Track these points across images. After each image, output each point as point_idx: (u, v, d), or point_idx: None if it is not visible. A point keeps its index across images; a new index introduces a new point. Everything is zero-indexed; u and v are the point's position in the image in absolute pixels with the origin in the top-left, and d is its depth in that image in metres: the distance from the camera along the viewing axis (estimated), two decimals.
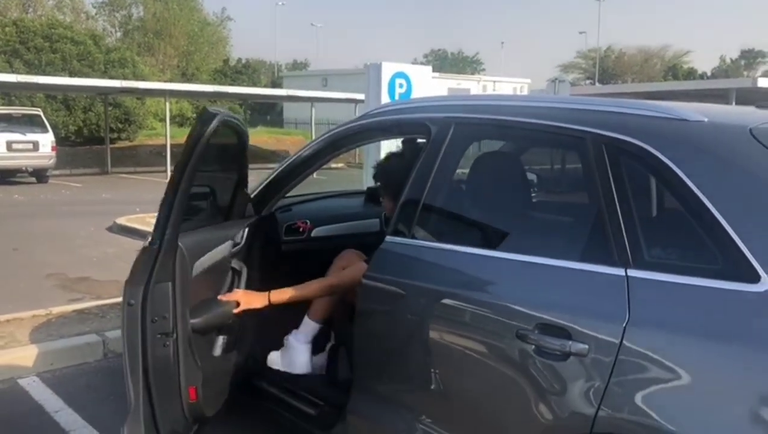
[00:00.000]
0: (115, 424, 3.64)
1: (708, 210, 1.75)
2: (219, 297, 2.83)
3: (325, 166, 3.53)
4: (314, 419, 2.89)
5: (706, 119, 1.97)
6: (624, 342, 1.75)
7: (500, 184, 2.58)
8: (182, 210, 2.43)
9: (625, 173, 1.96)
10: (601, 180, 1.98)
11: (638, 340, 1.74)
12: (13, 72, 22.93)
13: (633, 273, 1.83)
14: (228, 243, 2.93)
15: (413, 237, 2.46)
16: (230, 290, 2.99)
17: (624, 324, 1.76)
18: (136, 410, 2.44)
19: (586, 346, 1.82)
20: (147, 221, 10.52)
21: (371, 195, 4.06)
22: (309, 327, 3.15)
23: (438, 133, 2.51)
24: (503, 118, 2.40)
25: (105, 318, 5.35)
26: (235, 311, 2.81)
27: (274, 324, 3.14)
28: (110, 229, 10.67)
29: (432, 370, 2.29)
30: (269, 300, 2.86)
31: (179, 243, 2.47)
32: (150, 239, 2.43)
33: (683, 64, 64.06)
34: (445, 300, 2.25)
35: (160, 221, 2.41)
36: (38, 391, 4.19)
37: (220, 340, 2.95)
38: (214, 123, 2.47)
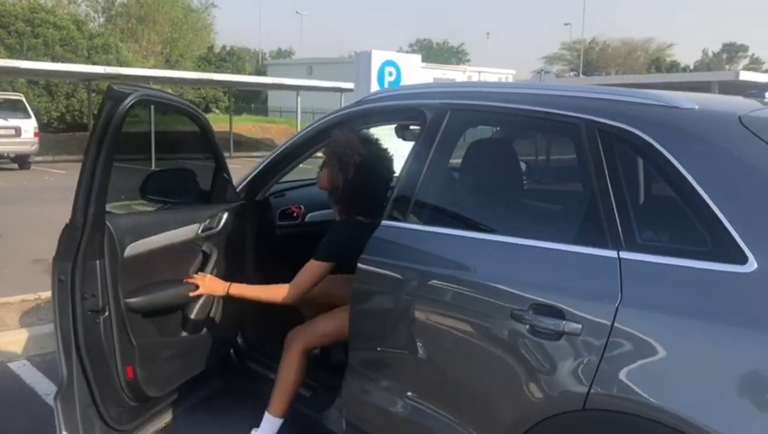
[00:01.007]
0: None
1: (698, 194, 1.81)
2: (186, 279, 2.87)
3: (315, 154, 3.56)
4: (309, 401, 2.94)
5: (696, 107, 2.03)
6: (616, 321, 1.81)
7: (495, 169, 2.63)
8: (103, 191, 2.46)
9: (618, 158, 2.02)
10: (595, 165, 2.04)
11: (630, 320, 1.80)
12: None
13: (625, 255, 1.89)
14: (193, 226, 2.96)
15: (409, 221, 2.51)
16: (198, 270, 3.03)
17: (616, 305, 1.82)
18: (69, 386, 2.48)
19: (579, 326, 1.88)
20: (133, 209, 10.47)
21: None
22: (269, 423, 2.89)
23: (434, 119, 2.55)
24: (499, 104, 2.45)
25: None
26: (192, 294, 2.85)
27: (270, 309, 3.18)
28: None
29: (427, 351, 2.34)
30: (228, 292, 2.87)
31: (107, 223, 2.51)
32: (70, 217, 2.46)
33: (666, 57, 64.62)
34: (441, 283, 2.30)
35: (78, 201, 2.43)
36: (29, 374, 4.20)
37: (180, 321, 3.00)
38: (129, 100, 2.50)
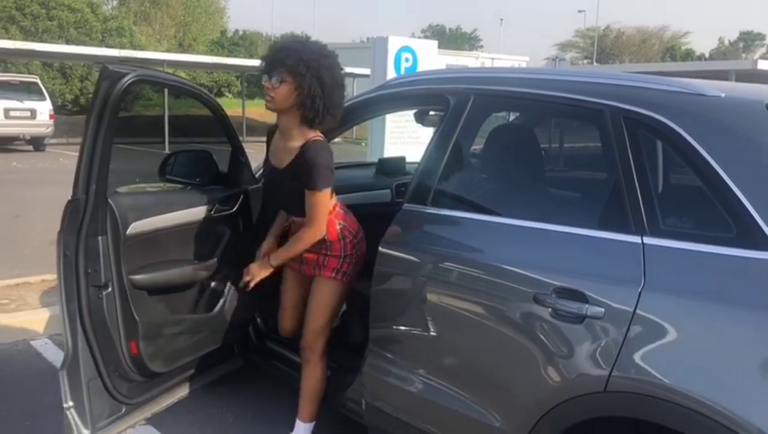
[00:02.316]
0: None
1: (723, 181, 1.83)
2: (246, 277, 2.90)
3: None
4: (329, 380, 2.98)
5: (723, 94, 2.04)
6: (639, 305, 1.84)
7: (518, 154, 2.65)
8: (104, 169, 2.53)
9: (642, 145, 2.03)
10: (620, 151, 2.06)
11: (653, 304, 1.83)
12: (9, 39, 22.75)
13: (649, 240, 1.91)
14: (204, 207, 3.01)
15: (431, 205, 2.53)
16: (212, 251, 3.08)
17: (639, 289, 1.85)
18: (74, 358, 2.54)
19: (602, 310, 1.90)
20: (148, 191, 10.56)
21: (383, 167, 4.13)
22: (302, 430, 2.95)
23: (457, 104, 2.57)
24: (523, 90, 2.47)
25: None
26: (250, 283, 2.88)
27: None
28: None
29: (449, 333, 2.38)
30: (272, 265, 2.88)
31: (110, 201, 2.58)
32: (72, 194, 2.52)
33: (681, 45, 63.93)
34: (463, 267, 2.33)
35: (79, 179, 2.50)
36: (51, 352, 4.28)
37: (189, 299, 3.05)
38: (126, 79, 2.55)
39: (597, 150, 2.23)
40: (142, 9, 41.41)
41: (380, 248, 2.60)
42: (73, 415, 2.55)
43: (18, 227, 8.26)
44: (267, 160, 2.86)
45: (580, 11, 68.06)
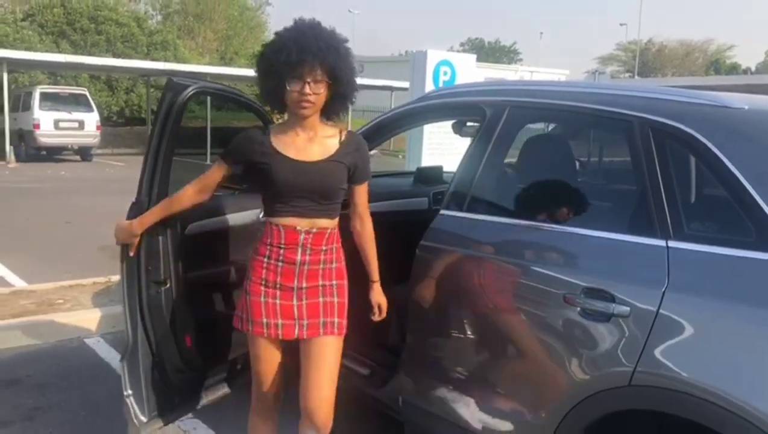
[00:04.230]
0: None
1: (744, 188, 1.93)
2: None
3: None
4: (366, 378, 3.12)
5: (746, 106, 2.14)
6: (662, 305, 1.95)
7: (551, 163, 2.77)
8: (166, 174, 2.70)
9: (669, 154, 2.14)
10: (647, 160, 2.17)
11: (675, 304, 1.93)
12: (59, 52, 23.56)
13: (673, 244, 2.02)
14: (254, 211, 3.16)
15: (467, 211, 2.66)
16: None
17: (663, 289, 1.96)
18: (134, 350, 2.71)
19: (628, 309, 2.01)
20: None
21: (420, 175, 4.28)
22: None
23: (493, 115, 2.71)
24: (556, 102, 2.59)
25: None
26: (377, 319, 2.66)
27: None
28: None
29: (483, 332, 2.50)
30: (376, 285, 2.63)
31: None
32: (136, 195, 2.70)
33: (726, 58, 62.91)
34: (497, 269, 2.46)
35: (143, 182, 2.68)
36: (104, 350, 4.52)
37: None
38: (188, 91, 2.73)
39: (626, 159, 2.34)
40: (185, 23, 42.32)
41: (418, 252, 2.73)
42: (132, 403, 2.73)
43: (69, 233, 8.61)
44: (273, 156, 2.34)
45: (621, 24, 67.66)
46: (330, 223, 2.39)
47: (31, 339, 4.54)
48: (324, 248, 2.39)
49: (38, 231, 8.55)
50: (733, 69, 58.86)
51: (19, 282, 5.92)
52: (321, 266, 2.39)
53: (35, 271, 6.21)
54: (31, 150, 19.04)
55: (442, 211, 2.75)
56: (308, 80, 2.23)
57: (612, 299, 2.06)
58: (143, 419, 2.73)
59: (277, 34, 2.30)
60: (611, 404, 2.06)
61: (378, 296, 2.60)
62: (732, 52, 64.34)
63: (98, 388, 3.89)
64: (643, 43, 61.48)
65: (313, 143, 2.37)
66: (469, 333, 2.55)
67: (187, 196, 2.55)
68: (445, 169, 4.34)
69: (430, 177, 4.23)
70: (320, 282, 2.39)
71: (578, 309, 2.14)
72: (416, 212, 3.85)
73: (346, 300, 2.46)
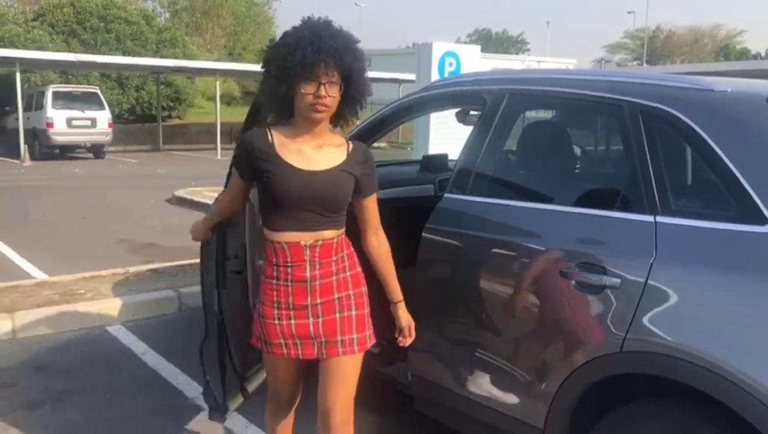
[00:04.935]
0: (194, 364, 4.12)
1: (726, 165, 2.07)
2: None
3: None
4: (377, 356, 3.27)
5: (729, 90, 2.27)
6: (650, 276, 2.09)
7: (547, 147, 2.92)
8: None
9: (656, 135, 2.28)
10: (636, 141, 2.31)
11: (662, 275, 2.08)
12: (70, 51, 23.81)
13: (660, 219, 2.16)
14: None
15: (470, 194, 2.81)
16: None
17: (651, 261, 2.10)
18: (211, 338, 2.86)
19: (619, 280, 2.16)
20: (204, 194, 11.08)
21: (426, 163, 4.43)
22: None
23: (493, 102, 2.85)
24: (553, 89, 2.74)
25: (177, 277, 5.85)
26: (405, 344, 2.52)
27: None
28: (169, 201, 11.27)
29: (486, 307, 2.65)
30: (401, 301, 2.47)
31: (249, 197, 2.83)
32: (223, 189, 2.83)
33: (736, 44, 62.47)
34: (498, 247, 2.62)
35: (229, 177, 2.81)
36: (125, 337, 4.70)
37: None
38: None
39: (617, 141, 2.48)
40: (193, 20, 42.53)
41: (424, 234, 2.88)
42: (211, 388, 2.91)
43: (86, 228, 8.82)
44: (277, 164, 2.18)
45: (629, 12, 67.27)
46: (336, 233, 2.26)
47: (55, 327, 4.73)
48: (334, 258, 2.26)
49: (56, 227, 8.77)
50: (743, 54, 58.47)
51: (40, 275, 6.13)
52: (334, 278, 2.26)
53: (55, 264, 6.41)
54: (44, 148, 19.34)
55: (447, 195, 2.90)
56: (323, 82, 2.10)
57: (604, 271, 2.20)
58: (221, 402, 2.91)
59: (286, 33, 2.16)
60: (605, 370, 2.21)
61: (404, 318, 2.41)
62: (742, 37, 63.91)
63: (121, 372, 4.07)
64: (651, 31, 61.19)
65: (320, 151, 2.22)
66: (472, 308, 2.70)
67: (224, 206, 2.58)
68: (451, 157, 4.48)
69: (435, 164, 4.37)
70: (335, 295, 2.26)
71: (573, 282, 2.29)
72: (422, 198, 3.99)
73: (366, 310, 2.34)
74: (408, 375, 3.04)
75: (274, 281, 2.26)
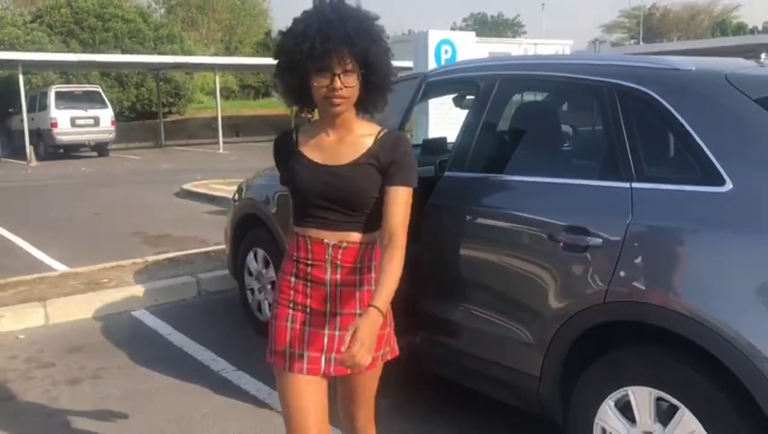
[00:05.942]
0: (217, 342, 4.45)
1: (690, 134, 2.36)
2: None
3: None
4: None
5: (693, 68, 2.56)
6: (627, 235, 2.38)
7: (536, 126, 3.21)
8: None
9: (631, 111, 2.57)
10: (613, 118, 2.60)
11: (638, 234, 2.37)
12: (69, 51, 24.05)
13: (636, 185, 2.45)
14: None
15: (467, 170, 3.10)
16: None
17: (628, 222, 2.39)
18: None
19: (600, 240, 2.46)
20: (211, 186, 11.39)
21: (426, 146, 4.71)
22: None
23: (485, 87, 3.14)
24: (540, 73, 3.04)
25: (194, 264, 6.16)
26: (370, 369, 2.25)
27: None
28: (177, 195, 11.56)
29: (485, 270, 2.95)
30: (383, 313, 1.90)
31: None
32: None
33: (732, 19, 62.44)
34: (493, 216, 2.91)
35: None
36: (150, 320, 5.02)
37: None
38: None
39: (597, 118, 2.77)
40: (189, 15, 42.70)
41: (427, 210, 3.17)
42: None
43: (100, 223, 9.12)
44: (298, 159, 2.07)
45: None
46: (364, 238, 2.06)
47: (84, 313, 5.05)
48: (359, 265, 2.07)
49: (71, 224, 9.06)
50: (740, 29, 58.45)
51: (62, 268, 6.43)
52: (357, 288, 2.07)
53: (75, 257, 6.70)
54: (49, 148, 19.65)
55: (446, 173, 3.19)
56: (337, 72, 1.89)
57: (587, 233, 2.50)
58: None
59: (296, 20, 1.96)
60: (592, 319, 2.51)
61: (363, 321, 1.77)
62: (738, 12, 63.85)
63: (150, 351, 4.38)
64: (646, 9, 61.20)
65: (343, 144, 2.04)
66: (473, 273, 3.00)
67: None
68: (449, 140, 4.76)
69: (435, 147, 4.65)
70: (357, 310, 2.06)
71: (560, 244, 2.58)
72: (424, 179, 4.27)
73: (390, 330, 2.18)
74: (417, 338, 3.34)
75: (293, 278, 2.10)
